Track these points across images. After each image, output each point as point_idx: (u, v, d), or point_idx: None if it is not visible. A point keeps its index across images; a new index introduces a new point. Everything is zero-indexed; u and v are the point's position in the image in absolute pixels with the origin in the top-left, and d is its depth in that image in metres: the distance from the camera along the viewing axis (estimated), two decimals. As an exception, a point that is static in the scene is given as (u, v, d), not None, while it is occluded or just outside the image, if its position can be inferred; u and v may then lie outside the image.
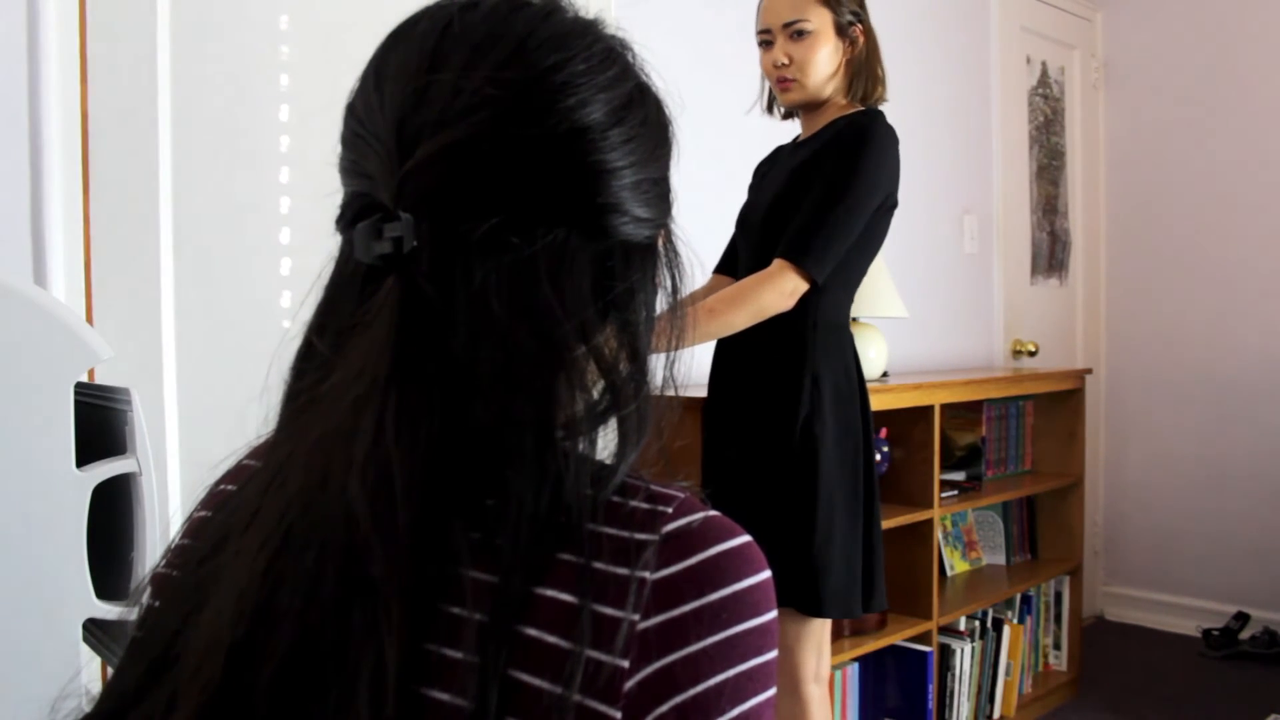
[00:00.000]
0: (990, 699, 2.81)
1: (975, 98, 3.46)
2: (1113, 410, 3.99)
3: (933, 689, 2.55)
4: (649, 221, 0.56)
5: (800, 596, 1.68)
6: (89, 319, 1.56)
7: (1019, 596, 2.97)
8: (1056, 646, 3.18)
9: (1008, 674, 2.86)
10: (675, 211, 0.61)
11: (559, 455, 0.50)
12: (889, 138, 1.74)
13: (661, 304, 0.60)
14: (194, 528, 0.60)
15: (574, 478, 0.50)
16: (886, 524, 2.43)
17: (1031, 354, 3.60)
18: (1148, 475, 3.88)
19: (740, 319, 1.67)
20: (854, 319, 2.58)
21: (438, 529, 0.48)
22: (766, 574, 0.52)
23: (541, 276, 0.51)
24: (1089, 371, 3.28)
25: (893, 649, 2.54)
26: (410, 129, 0.51)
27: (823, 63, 1.78)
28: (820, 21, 1.76)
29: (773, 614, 0.51)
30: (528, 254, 0.51)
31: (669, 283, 0.60)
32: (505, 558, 0.48)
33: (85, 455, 1.13)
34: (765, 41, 1.81)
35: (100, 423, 1.19)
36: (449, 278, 0.50)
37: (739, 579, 0.50)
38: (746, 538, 0.53)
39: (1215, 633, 3.48)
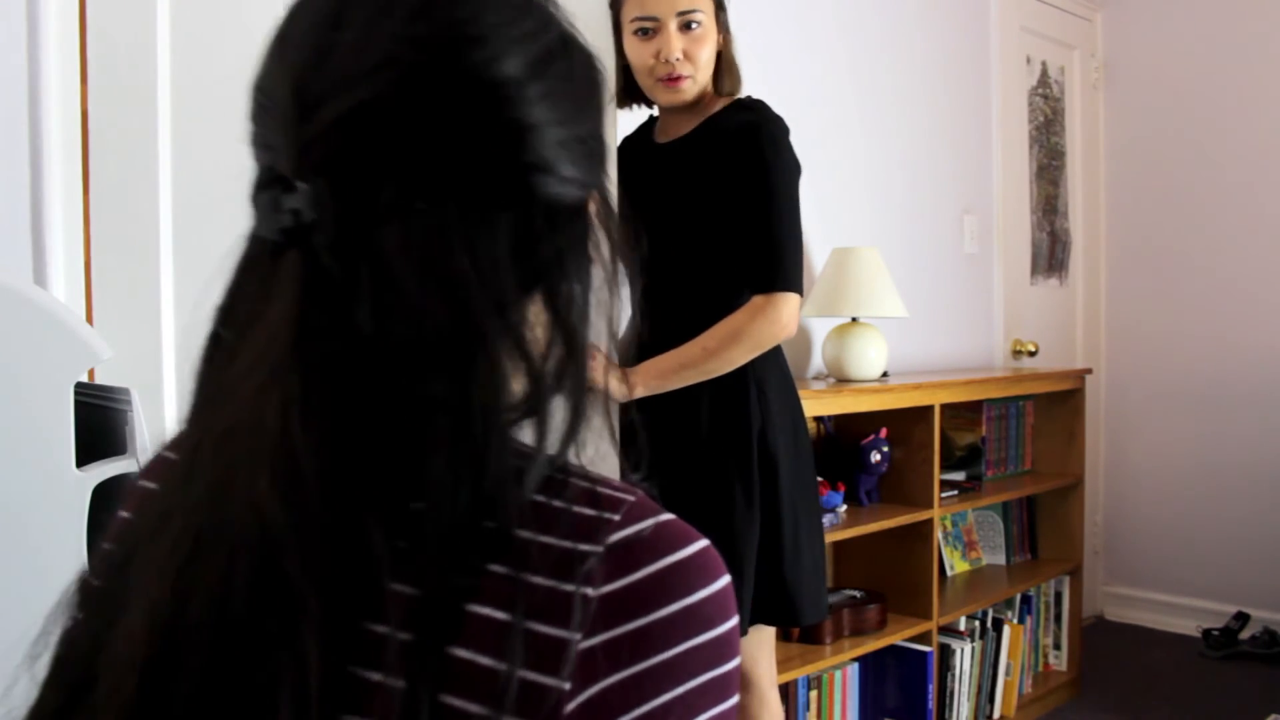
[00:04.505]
0: (990, 699, 2.81)
1: (975, 98, 3.46)
2: (1113, 410, 3.99)
3: (933, 689, 2.55)
4: (576, 181, 0.52)
5: (776, 613, 1.69)
6: (89, 319, 1.56)
7: (1019, 596, 2.97)
8: (1056, 646, 3.18)
9: (1008, 674, 2.86)
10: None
11: (480, 442, 0.46)
12: (781, 124, 1.68)
13: (600, 281, 0.55)
14: (116, 530, 0.57)
15: (497, 467, 0.46)
16: (887, 524, 2.44)
17: (1031, 354, 3.60)
18: (1148, 475, 3.88)
19: (739, 355, 1.64)
20: (854, 319, 2.59)
21: (355, 532, 0.45)
22: (723, 581, 0.49)
23: (454, 244, 0.47)
24: (1089, 371, 3.28)
25: (893, 649, 2.54)
26: (311, 93, 0.47)
27: (711, 58, 1.69)
28: (709, 12, 1.66)
29: (730, 623, 0.49)
30: (439, 220, 0.47)
31: (606, 253, 0.55)
32: (429, 570, 0.45)
33: (85, 455, 1.12)
34: (645, 30, 1.67)
35: (100, 423, 1.19)
36: (354, 249, 0.46)
37: (692, 591, 0.47)
38: (702, 544, 0.50)
39: (1215, 633, 3.48)
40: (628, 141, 1.88)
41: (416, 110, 0.47)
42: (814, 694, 2.35)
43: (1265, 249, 3.60)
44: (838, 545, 2.70)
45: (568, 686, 0.44)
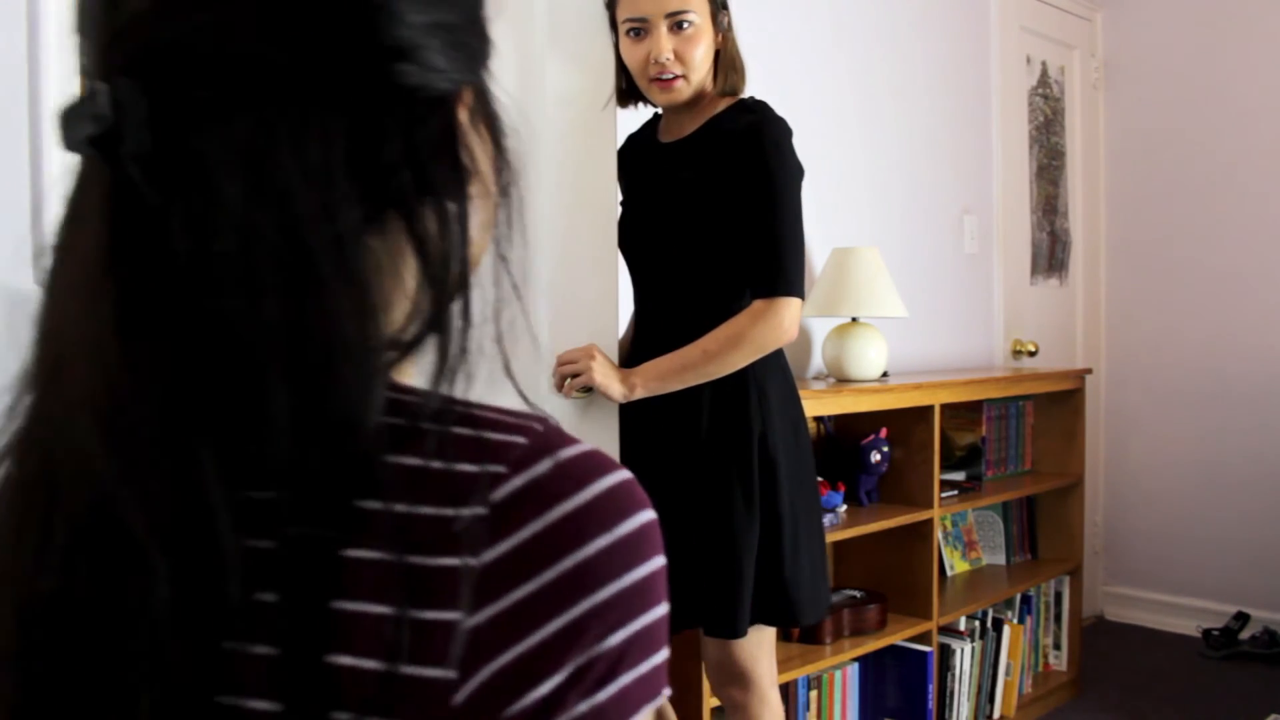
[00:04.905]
0: (990, 699, 2.81)
1: (975, 98, 3.46)
2: (1113, 410, 3.99)
3: (933, 689, 2.55)
4: (440, 73, 0.44)
5: (776, 613, 1.69)
6: (89, 319, 1.56)
7: (1019, 596, 2.97)
8: (1056, 646, 3.18)
9: (1008, 674, 2.86)
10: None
11: (321, 375, 0.40)
12: (783, 126, 1.67)
13: (482, 205, 0.48)
14: None
15: (346, 404, 0.40)
16: (887, 524, 2.44)
17: (1031, 354, 3.60)
18: (1148, 475, 3.88)
19: (740, 359, 1.64)
20: (854, 319, 2.59)
21: (192, 480, 0.39)
22: (640, 518, 0.43)
23: (282, 147, 0.40)
24: (1089, 371, 3.28)
25: (893, 649, 2.54)
26: None
27: (705, 57, 1.67)
28: (702, 12, 1.65)
29: (646, 567, 0.43)
30: (266, 120, 0.40)
31: (487, 167, 0.48)
32: (285, 517, 0.39)
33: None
34: (637, 30, 1.66)
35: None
36: (168, 159, 0.40)
37: (595, 536, 0.41)
38: (612, 480, 0.43)
39: (1215, 633, 3.48)
40: (631, 139, 1.88)
41: None
42: (814, 694, 2.35)
43: (1266, 249, 3.60)
44: (838, 545, 2.70)
45: (454, 675, 0.39)
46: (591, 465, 0.43)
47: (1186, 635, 3.66)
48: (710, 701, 1.99)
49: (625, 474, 0.44)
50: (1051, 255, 3.85)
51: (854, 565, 2.69)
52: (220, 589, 0.39)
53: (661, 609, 0.43)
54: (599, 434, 1.70)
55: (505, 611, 0.40)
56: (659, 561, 0.44)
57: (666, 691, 0.44)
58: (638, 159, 1.82)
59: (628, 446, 1.73)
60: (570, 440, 0.44)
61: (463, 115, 0.46)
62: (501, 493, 0.41)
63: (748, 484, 1.66)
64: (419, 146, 0.44)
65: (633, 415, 1.72)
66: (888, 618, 2.49)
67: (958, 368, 3.34)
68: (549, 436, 0.44)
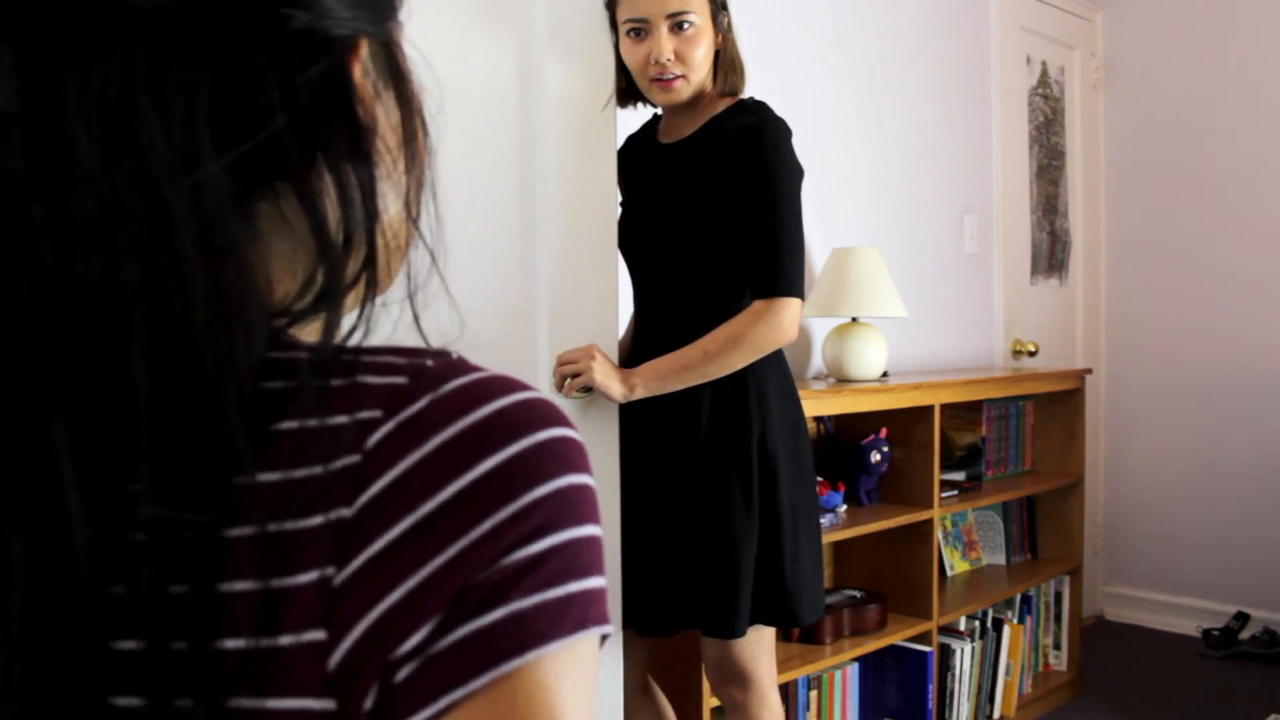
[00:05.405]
0: (990, 699, 2.81)
1: (975, 98, 3.46)
2: (1113, 410, 3.99)
3: (933, 689, 2.55)
4: (334, 20, 0.40)
5: (776, 614, 1.69)
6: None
7: (1019, 596, 2.97)
8: (1056, 646, 3.18)
9: (1008, 674, 2.86)
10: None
11: (185, 340, 0.37)
12: (783, 127, 1.67)
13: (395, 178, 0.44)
14: None
15: (215, 370, 0.37)
16: (887, 524, 2.44)
17: (1031, 354, 3.60)
18: (1148, 475, 3.88)
19: (740, 359, 1.64)
20: (854, 319, 2.59)
21: (44, 461, 0.37)
22: (542, 435, 0.39)
23: (141, 95, 0.37)
24: (1089, 371, 3.28)
25: (893, 649, 2.54)
26: None
27: (705, 58, 1.68)
28: (703, 12, 1.65)
29: (556, 483, 0.38)
30: (126, 66, 0.37)
31: (390, 125, 0.44)
32: (151, 502, 0.37)
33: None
34: (637, 30, 1.66)
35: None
36: (28, 108, 0.37)
37: (480, 459, 0.38)
38: (505, 401, 0.39)
39: (1215, 633, 3.48)
40: (631, 140, 1.89)
41: None
42: (814, 694, 2.36)
43: (1266, 248, 3.60)
44: (838, 545, 2.70)
45: (323, 636, 0.36)
46: (479, 391, 0.39)
47: (1186, 635, 3.66)
48: (710, 702, 1.99)
49: (527, 394, 0.40)
50: (1051, 255, 3.85)
51: (854, 565, 2.69)
52: (73, 574, 0.36)
53: (579, 531, 0.39)
54: (599, 434, 1.70)
55: (374, 558, 0.36)
56: (569, 479, 0.39)
57: (606, 628, 0.39)
58: (638, 160, 1.82)
59: (628, 446, 1.73)
60: (465, 370, 0.40)
61: (357, 68, 0.42)
62: (376, 437, 0.38)
63: (747, 484, 1.66)
64: (298, 94, 0.40)
65: (633, 415, 1.73)
66: (888, 618, 2.49)
67: (958, 368, 3.34)
68: (439, 370, 0.40)
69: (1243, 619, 3.48)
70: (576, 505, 0.39)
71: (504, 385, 0.40)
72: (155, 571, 0.37)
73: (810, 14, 2.82)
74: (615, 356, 1.73)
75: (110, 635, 0.37)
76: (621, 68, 1.73)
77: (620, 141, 1.83)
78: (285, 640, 0.36)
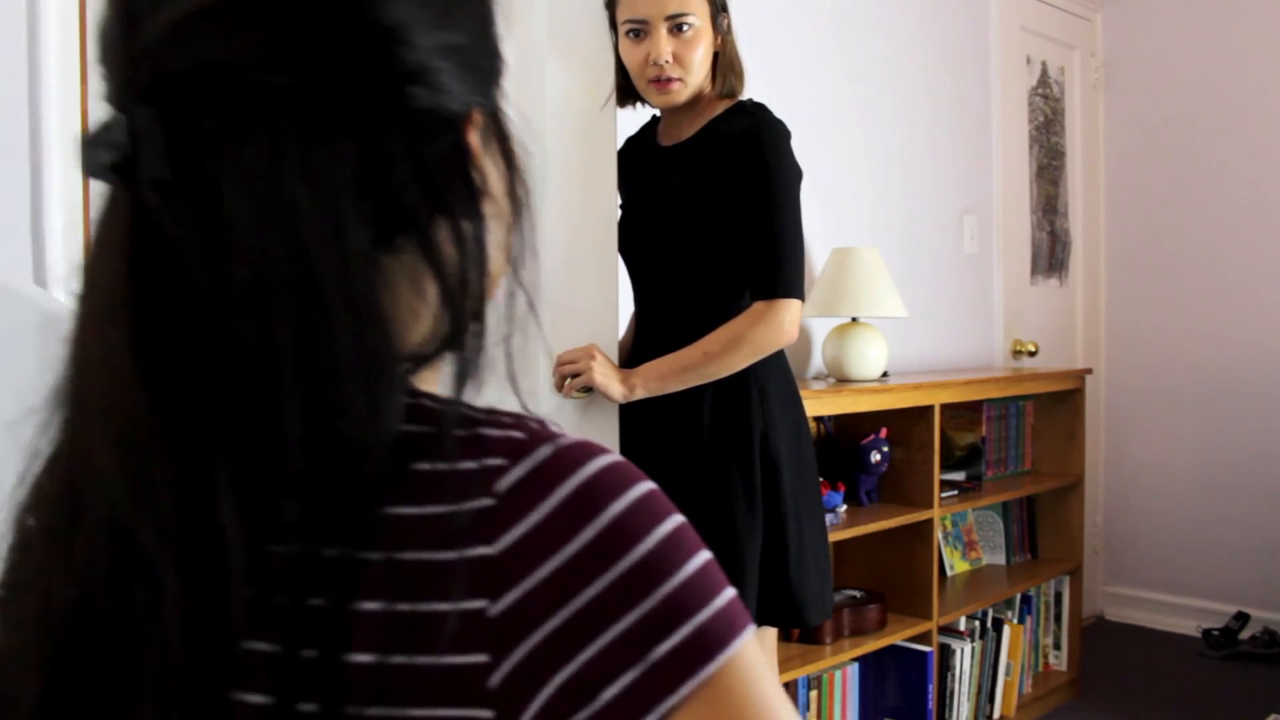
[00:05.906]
0: (990, 699, 2.81)
1: (975, 98, 3.46)
2: (1113, 410, 3.99)
3: (933, 689, 2.55)
4: (451, 95, 0.44)
5: (780, 615, 1.69)
6: (89, 319, 1.55)
7: (1019, 596, 2.97)
8: (1056, 646, 3.18)
9: (1008, 674, 2.86)
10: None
11: (332, 396, 0.41)
12: (782, 128, 1.67)
13: (500, 231, 0.49)
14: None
15: (359, 425, 0.41)
16: (887, 524, 2.44)
17: (1031, 354, 3.60)
18: (1148, 475, 3.88)
19: (740, 360, 1.64)
20: (854, 319, 2.59)
21: (203, 498, 0.40)
22: (645, 485, 0.44)
23: (290, 171, 0.40)
24: (1089, 372, 3.28)
25: (893, 649, 2.54)
26: (139, 7, 0.42)
27: (704, 60, 1.67)
28: (702, 14, 1.65)
29: (663, 529, 0.43)
30: (276, 144, 0.40)
31: (498, 186, 0.49)
32: (295, 545, 0.41)
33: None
34: (636, 31, 1.65)
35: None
36: (185, 185, 0.41)
37: (609, 503, 0.42)
38: (610, 458, 0.44)
39: (1215, 633, 3.48)
40: (630, 142, 1.88)
41: (252, 15, 0.41)
42: (814, 694, 2.35)
43: (1266, 248, 3.60)
44: (838, 545, 2.70)
45: (485, 659, 0.40)
46: (590, 448, 0.44)
47: (1186, 635, 3.66)
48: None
49: (619, 456, 0.45)
50: (1051, 255, 3.85)
51: (854, 565, 2.69)
52: (228, 597, 0.40)
53: (701, 557, 0.43)
54: (599, 434, 1.70)
55: (531, 593, 0.40)
56: (679, 518, 0.44)
57: (750, 628, 0.43)
58: (637, 162, 1.82)
59: (628, 447, 1.73)
60: (564, 433, 0.45)
61: (473, 136, 0.47)
62: (505, 482, 0.42)
63: (749, 484, 1.66)
64: (428, 166, 0.44)
65: (633, 416, 1.73)
66: (888, 618, 2.49)
67: (958, 368, 3.34)
68: (545, 430, 0.45)
69: (1243, 619, 3.47)
70: (690, 534, 0.44)
71: (601, 448, 0.45)
72: (297, 584, 0.41)
73: (810, 14, 2.82)
74: (615, 356, 1.73)
75: (243, 635, 0.41)
76: (621, 67, 1.73)
77: (620, 143, 1.83)
78: (423, 660, 0.40)
